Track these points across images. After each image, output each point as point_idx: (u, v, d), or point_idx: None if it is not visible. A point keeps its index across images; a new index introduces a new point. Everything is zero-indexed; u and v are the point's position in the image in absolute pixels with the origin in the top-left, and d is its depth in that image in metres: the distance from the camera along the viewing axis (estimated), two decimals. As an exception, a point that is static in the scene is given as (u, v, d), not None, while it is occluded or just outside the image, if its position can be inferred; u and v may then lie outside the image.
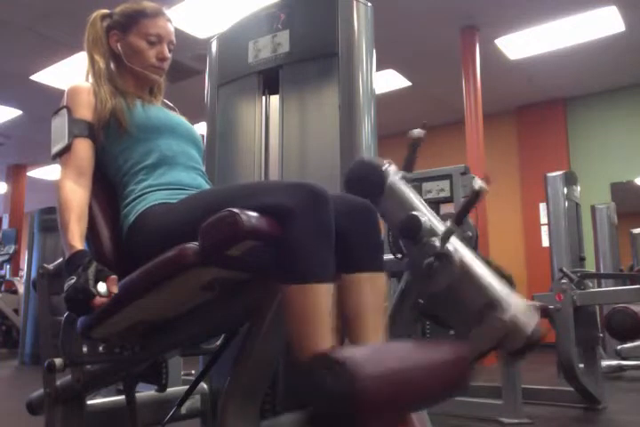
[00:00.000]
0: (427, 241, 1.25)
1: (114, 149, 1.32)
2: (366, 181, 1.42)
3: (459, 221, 1.28)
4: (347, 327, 1.04)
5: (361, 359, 0.81)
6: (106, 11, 1.43)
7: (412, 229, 1.27)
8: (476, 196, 1.28)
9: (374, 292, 1.07)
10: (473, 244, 1.48)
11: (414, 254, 1.28)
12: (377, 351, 0.90)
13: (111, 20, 1.42)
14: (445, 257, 1.22)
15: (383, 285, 1.10)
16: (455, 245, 1.27)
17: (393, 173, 1.45)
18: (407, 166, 1.48)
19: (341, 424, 0.80)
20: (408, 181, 1.46)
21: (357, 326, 1.03)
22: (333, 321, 0.94)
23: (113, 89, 1.36)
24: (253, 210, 0.94)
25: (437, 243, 1.23)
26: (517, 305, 1.17)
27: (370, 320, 1.04)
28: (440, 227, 1.30)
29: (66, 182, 1.22)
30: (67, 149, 1.26)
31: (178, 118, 1.45)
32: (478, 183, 1.26)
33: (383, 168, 1.44)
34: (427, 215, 1.32)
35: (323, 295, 0.94)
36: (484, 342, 1.17)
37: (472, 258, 1.26)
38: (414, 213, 1.30)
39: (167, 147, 1.33)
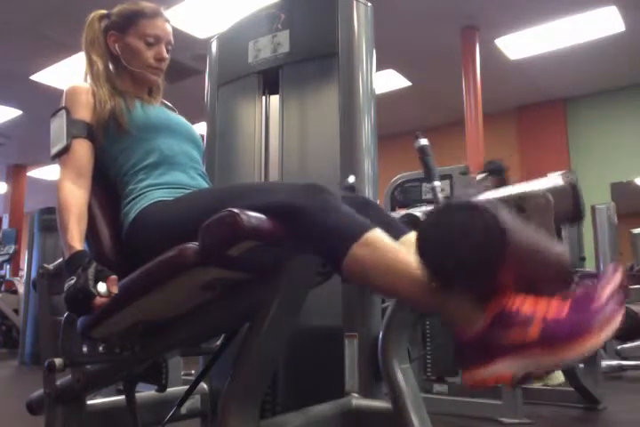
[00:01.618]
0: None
1: (114, 150, 1.32)
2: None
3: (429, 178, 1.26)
4: None
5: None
6: (103, 11, 1.43)
7: (411, 227, 1.27)
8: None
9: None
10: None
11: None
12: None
13: (109, 21, 1.42)
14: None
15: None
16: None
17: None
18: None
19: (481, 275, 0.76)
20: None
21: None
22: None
23: (112, 89, 1.36)
24: (255, 209, 0.94)
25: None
26: (542, 182, 1.15)
27: None
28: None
29: (65, 183, 1.22)
30: (66, 150, 1.26)
31: (177, 118, 1.45)
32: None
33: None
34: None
35: (381, 237, 0.90)
36: (546, 221, 1.12)
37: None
38: (411, 211, 1.30)
39: (167, 147, 1.33)
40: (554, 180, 1.19)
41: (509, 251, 0.74)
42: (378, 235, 0.90)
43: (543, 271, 0.82)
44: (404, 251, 0.89)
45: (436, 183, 1.29)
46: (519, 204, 1.18)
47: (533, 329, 0.75)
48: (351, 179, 1.61)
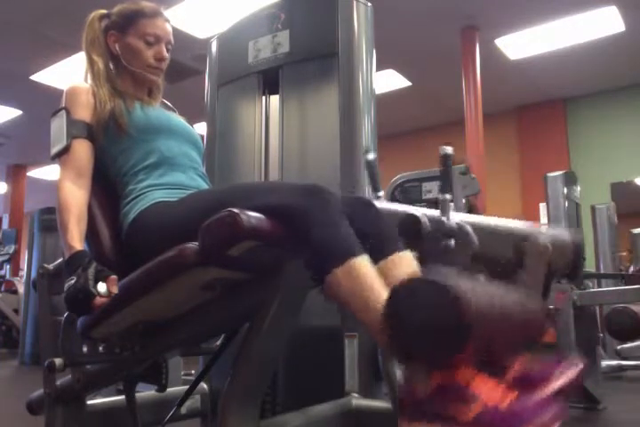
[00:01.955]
0: (437, 227, 1.23)
1: (113, 150, 1.32)
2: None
3: (444, 190, 1.27)
4: None
5: (458, 284, 0.79)
6: (103, 11, 1.43)
7: (412, 228, 1.27)
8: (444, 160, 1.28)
9: (406, 267, 1.04)
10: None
11: (423, 249, 1.26)
12: (470, 282, 0.85)
13: (109, 21, 1.41)
14: (460, 230, 1.20)
15: (412, 260, 1.07)
16: (460, 216, 1.27)
17: None
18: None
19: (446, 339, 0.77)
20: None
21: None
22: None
23: (112, 90, 1.36)
24: (255, 210, 0.94)
25: (448, 221, 1.22)
26: (548, 229, 1.18)
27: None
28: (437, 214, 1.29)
29: (65, 183, 1.22)
30: (66, 150, 1.26)
31: (177, 120, 1.45)
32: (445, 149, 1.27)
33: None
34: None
35: (365, 266, 0.93)
36: (538, 268, 1.14)
37: (481, 218, 1.26)
38: (413, 212, 1.30)
39: (167, 148, 1.33)
40: (560, 232, 1.21)
41: (469, 332, 0.75)
42: (361, 263, 0.92)
43: (506, 342, 0.84)
44: (380, 286, 0.91)
45: (448, 197, 1.29)
46: (520, 246, 1.19)
47: (471, 411, 0.75)
48: (371, 155, 1.61)
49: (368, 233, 1.06)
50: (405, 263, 1.04)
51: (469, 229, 1.22)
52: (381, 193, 1.57)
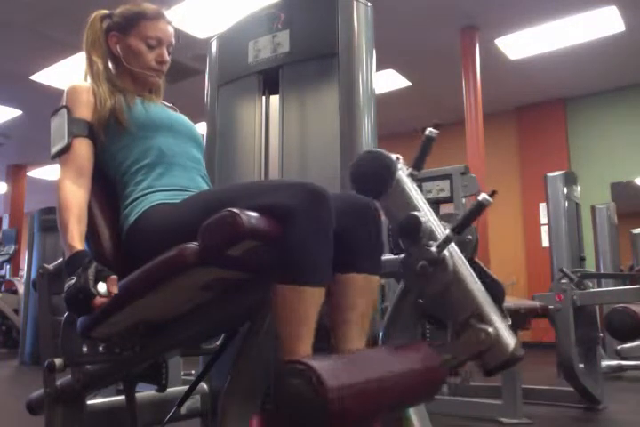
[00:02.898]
0: (424, 243, 1.25)
1: (113, 148, 1.32)
2: (374, 175, 1.37)
3: (459, 231, 1.27)
4: (332, 330, 1.07)
5: (333, 370, 0.84)
6: (105, 11, 1.43)
7: (411, 229, 1.27)
8: (479, 207, 1.27)
9: (365, 295, 1.09)
10: (473, 247, 1.46)
11: (411, 254, 1.28)
12: (351, 361, 0.92)
13: (111, 22, 1.41)
14: (440, 263, 1.22)
15: (375, 288, 1.12)
16: (452, 251, 1.27)
17: (402, 169, 1.41)
18: (417, 164, 1.46)
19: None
20: (415, 179, 1.44)
21: (343, 333, 1.06)
22: (316, 324, 0.96)
23: (112, 87, 1.36)
24: (254, 210, 0.94)
25: (434, 248, 1.23)
26: (502, 322, 1.17)
27: (355, 328, 1.07)
28: (439, 230, 1.30)
29: (65, 183, 1.22)
30: (66, 149, 1.25)
31: (178, 116, 1.45)
32: (483, 196, 1.26)
33: (393, 164, 1.38)
34: (428, 217, 1.32)
35: (311, 299, 0.95)
36: (464, 352, 1.17)
37: (466, 268, 1.26)
38: (415, 213, 1.30)
39: (166, 146, 1.33)
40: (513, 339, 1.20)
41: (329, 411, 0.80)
42: (314, 294, 0.95)
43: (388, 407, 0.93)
44: (311, 325, 0.95)
45: (447, 231, 1.30)
46: (467, 321, 1.20)
47: None
48: (433, 132, 1.60)
49: (355, 242, 1.08)
50: (364, 289, 1.09)
51: (449, 266, 1.23)
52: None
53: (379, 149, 1.42)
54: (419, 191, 1.41)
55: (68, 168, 1.24)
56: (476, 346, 1.14)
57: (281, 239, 0.94)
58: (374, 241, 1.13)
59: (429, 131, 1.46)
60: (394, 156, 1.40)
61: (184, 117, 1.47)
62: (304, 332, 0.93)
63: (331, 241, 0.98)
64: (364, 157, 1.42)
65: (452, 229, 1.25)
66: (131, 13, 1.39)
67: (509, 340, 1.15)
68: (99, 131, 1.30)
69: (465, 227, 1.28)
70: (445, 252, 1.24)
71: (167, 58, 1.40)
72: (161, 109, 1.42)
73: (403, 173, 1.40)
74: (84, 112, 1.30)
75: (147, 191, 1.25)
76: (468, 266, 1.27)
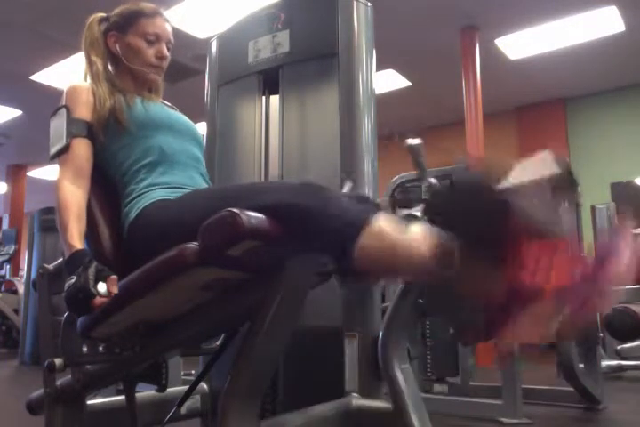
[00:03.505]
0: None
1: (113, 147, 1.32)
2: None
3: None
4: None
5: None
6: (102, 14, 1.45)
7: None
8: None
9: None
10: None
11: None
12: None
13: (108, 23, 1.43)
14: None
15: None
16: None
17: None
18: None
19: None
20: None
21: None
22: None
23: (111, 87, 1.36)
24: (262, 209, 0.93)
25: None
26: None
27: None
28: None
29: (64, 183, 1.22)
30: (65, 150, 1.26)
31: (178, 116, 1.46)
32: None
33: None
34: None
35: (386, 220, 0.92)
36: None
37: None
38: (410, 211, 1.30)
39: (167, 145, 1.33)
40: (549, 166, 1.12)
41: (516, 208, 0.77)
42: (385, 218, 0.92)
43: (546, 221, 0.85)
44: (412, 230, 0.91)
45: (432, 180, 1.29)
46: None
47: (548, 294, 0.77)
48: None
49: None
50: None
51: None
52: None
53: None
54: None
55: (66, 168, 1.25)
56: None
57: (300, 236, 0.93)
58: None
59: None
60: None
61: (184, 116, 1.47)
62: (419, 241, 0.88)
63: (347, 201, 0.97)
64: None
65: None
66: (129, 12, 1.42)
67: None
68: (98, 131, 1.30)
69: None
70: None
71: (167, 53, 1.42)
72: (161, 109, 1.42)
73: None
74: (84, 112, 1.30)
75: (147, 189, 1.25)
76: None
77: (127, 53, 1.40)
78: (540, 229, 0.81)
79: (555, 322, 0.76)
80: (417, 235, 0.89)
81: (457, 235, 0.84)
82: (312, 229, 0.92)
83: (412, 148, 1.41)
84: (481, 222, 0.79)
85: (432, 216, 0.86)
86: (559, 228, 0.85)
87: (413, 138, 1.43)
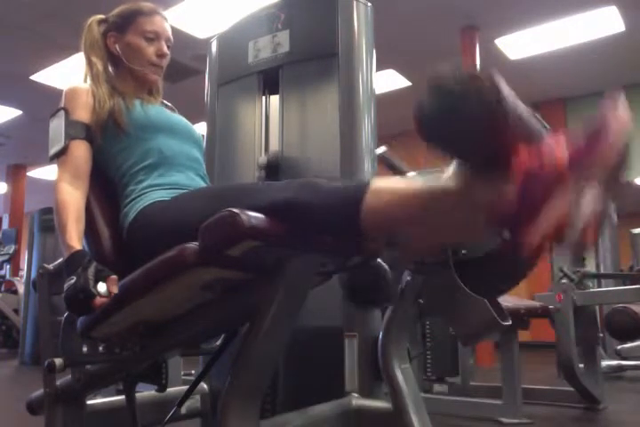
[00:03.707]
0: None
1: (113, 149, 1.32)
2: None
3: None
4: None
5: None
6: (101, 16, 1.45)
7: None
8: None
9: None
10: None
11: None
12: None
13: (107, 24, 1.43)
14: None
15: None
16: None
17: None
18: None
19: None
20: None
21: None
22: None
23: (111, 89, 1.36)
24: (261, 209, 0.93)
25: None
26: None
27: None
28: None
29: (62, 184, 1.23)
30: (63, 151, 1.26)
31: (177, 118, 1.46)
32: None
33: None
34: None
35: (387, 180, 0.91)
36: None
37: None
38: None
39: (167, 147, 1.33)
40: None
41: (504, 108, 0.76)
42: (382, 180, 0.90)
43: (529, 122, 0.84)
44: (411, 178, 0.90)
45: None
46: None
47: (560, 154, 0.75)
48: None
49: None
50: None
51: None
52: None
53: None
54: None
55: (65, 170, 1.25)
56: None
57: (300, 235, 0.93)
58: None
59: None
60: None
61: (183, 119, 1.47)
62: (420, 186, 0.86)
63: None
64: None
65: None
66: (127, 11, 1.42)
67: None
68: (96, 132, 1.30)
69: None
70: None
71: (166, 51, 1.42)
72: (160, 111, 1.42)
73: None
74: (82, 114, 1.30)
75: (146, 190, 1.25)
76: None
77: (127, 53, 1.40)
78: (528, 129, 0.81)
79: (578, 209, 0.74)
80: (418, 179, 0.88)
81: (456, 152, 0.82)
82: (315, 216, 0.91)
83: (380, 156, 1.41)
84: (477, 129, 0.77)
85: (424, 130, 0.84)
86: (541, 128, 0.85)
87: (381, 146, 1.43)
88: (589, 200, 0.75)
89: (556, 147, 0.77)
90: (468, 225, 0.85)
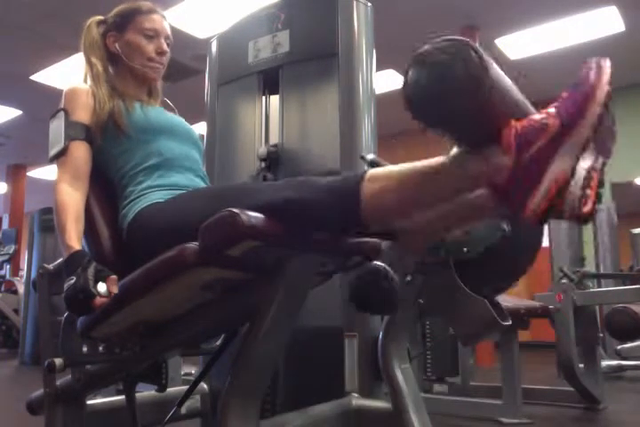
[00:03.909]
0: None
1: (113, 151, 1.32)
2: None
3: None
4: None
5: None
6: (100, 17, 1.46)
7: None
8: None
9: None
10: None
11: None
12: None
13: (106, 24, 1.44)
14: None
15: None
16: None
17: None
18: None
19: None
20: None
21: None
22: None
23: (111, 90, 1.37)
24: (261, 209, 0.93)
25: None
26: None
27: None
28: None
29: (62, 185, 1.23)
30: (63, 152, 1.26)
31: (177, 119, 1.46)
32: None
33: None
34: None
35: (381, 168, 0.91)
36: None
37: None
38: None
39: (167, 149, 1.33)
40: None
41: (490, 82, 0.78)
42: (376, 169, 0.90)
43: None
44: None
45: None
46: None
47: (551, 121, 0.77)
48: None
49: None
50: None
51: None
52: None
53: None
54: None
55: (64, 171, 1.25)
56: None
57: (299, 234, 0.93)
58: None
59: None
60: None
61: (182, 120, 1.47)
62: (416, 168, 0.87)
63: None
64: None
65: None
66: (126, 10, 1.43)
67: None
68: (96, 133, 1.30)
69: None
70: None
71: (166, 48, 1.43)
72: (160, 113, 1.42)
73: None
74: (82, 115, 1.30)
75: (146, 191, 1.25)
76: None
77: (127, 51, 1.40)
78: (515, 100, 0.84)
79: (575, 169, 0.76)
80: (412, 163, 0.87)
81: (447, 126, 0.83)
82: (315, 212, 0.91)
83: (368, 162, 1.41)
84: (466, 98, 0.78)
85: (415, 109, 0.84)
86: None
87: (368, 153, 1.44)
88: (585, 160, 0.77)
89: (546, 112, 0.78)
90: (467, 203, 0.85)
